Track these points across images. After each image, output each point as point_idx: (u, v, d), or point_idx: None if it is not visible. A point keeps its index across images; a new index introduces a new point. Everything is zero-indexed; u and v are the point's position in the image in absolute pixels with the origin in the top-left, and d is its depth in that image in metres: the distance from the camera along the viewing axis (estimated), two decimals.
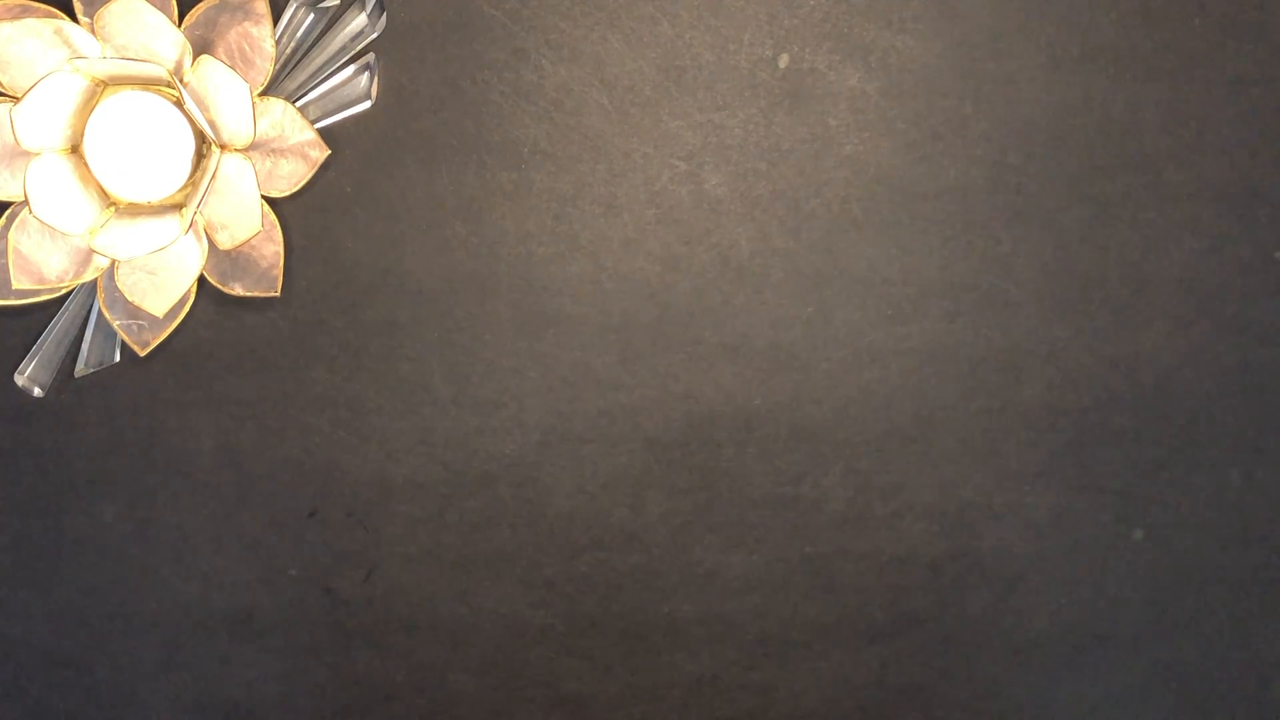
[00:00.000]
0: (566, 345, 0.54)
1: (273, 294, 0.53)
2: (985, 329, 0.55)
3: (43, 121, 0.50)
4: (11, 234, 0.51)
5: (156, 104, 0.50)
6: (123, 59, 0.50)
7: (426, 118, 0.53)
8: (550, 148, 0.53)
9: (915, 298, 0.54)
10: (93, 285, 0.53)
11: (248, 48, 0.51)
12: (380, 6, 0.52)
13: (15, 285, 0.52)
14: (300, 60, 0.52)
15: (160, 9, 0.50)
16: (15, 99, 0.50)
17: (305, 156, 0.52)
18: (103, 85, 0.50)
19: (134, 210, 0.51)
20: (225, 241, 0.52)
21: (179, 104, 0.50)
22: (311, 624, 0.56)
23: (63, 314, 0.54)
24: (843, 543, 0.56)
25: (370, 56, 0.52)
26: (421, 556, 0.56)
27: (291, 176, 0.52)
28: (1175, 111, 0.53)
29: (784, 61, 0.53)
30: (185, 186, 0.51)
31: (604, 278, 0.54)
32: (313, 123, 0.52)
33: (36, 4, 0.50)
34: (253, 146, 0.52)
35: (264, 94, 0.52)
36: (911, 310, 0.54)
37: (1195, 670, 0.57)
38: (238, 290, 0.53)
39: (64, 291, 0.53)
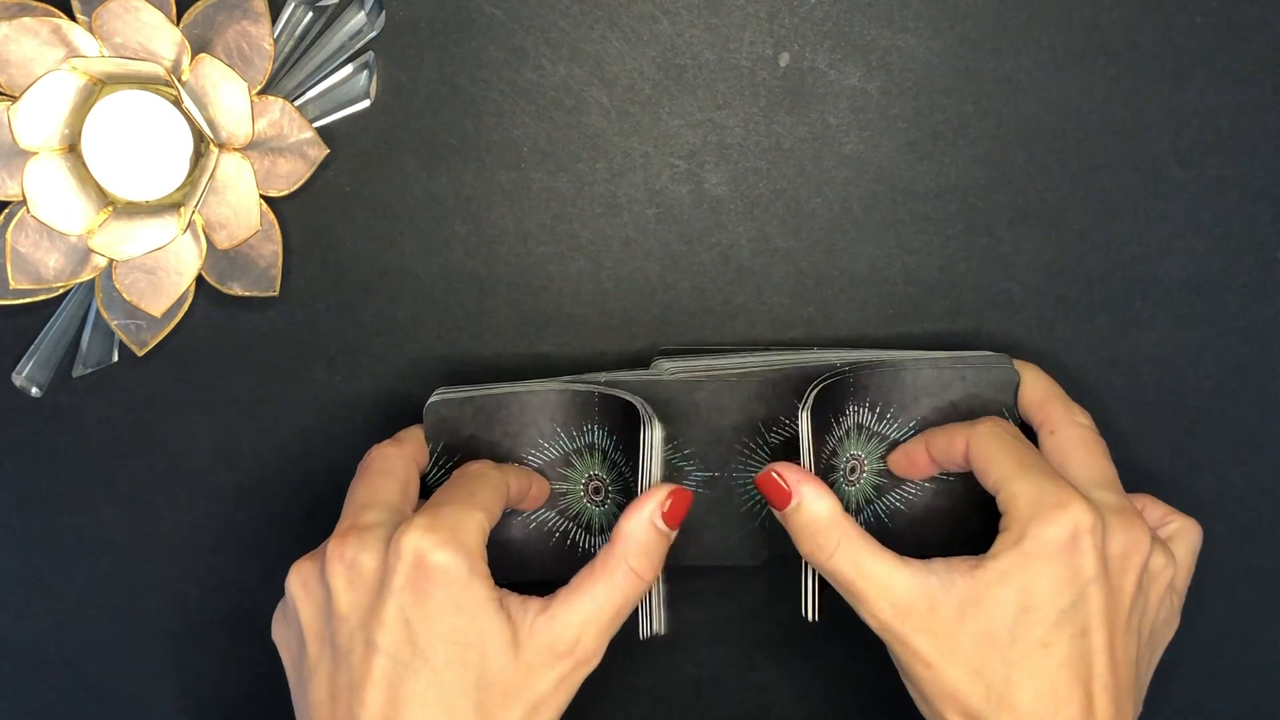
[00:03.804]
0: (566, 345, 0.54)
1: (271, 293, 0.53)
2: (985, 329, 0.55)
3: (40, 121, 0.50)
4: (9, 233, 0.51)
5: (154, 103, 0.50)
6: (121, 58, 0.50)
7: (425, 117, 0.53)
8: (550, 147, 0.53)
9: (915, 298, 0.54)
10: (90, 285, 0.53)
11: (246, 46, 0.51)
12: (379, 5, 0.52)
13: (13, 285, 0.51)
14: (299, 59, 0.52)
15: (158, 7, 0.50)
16: (13, 98, 0.50)
17: (304, 155, 0.52)
18: (100, 84, 0.50)
19: (132, 210, 0.51)
20: (223, 241, 0.52)
21: (177, 103, 0.50)
22: None
23: (60, 314, 0.54)
24: None
25: (369, 55, 0.52)
26: None
27: (290, 175, 0.52)
28: (1176, 111, 0.53)
29: (784, 60, 0.53)
30: (183, 186, 0.51)
31: (604, 278, 0.54)
32: (311, 121, 0.52)
33: (34, 3, 0.50)
34: (251, 145, 0.51)
35: (262, 93, 0.51)
36: (912, 310, 0.54)
37: (1195, 670, 0.57)
38: (236, 290, 0.53)
39: (61, 291, 0.53)
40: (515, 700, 0.44)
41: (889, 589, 0.46)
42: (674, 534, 0.47)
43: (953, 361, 0.51)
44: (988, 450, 0.48)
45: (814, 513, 0.47)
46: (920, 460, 0.51)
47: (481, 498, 0.47)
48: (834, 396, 0.50)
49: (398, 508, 0.47)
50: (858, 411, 0.51)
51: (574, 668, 0.45)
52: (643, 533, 0.46)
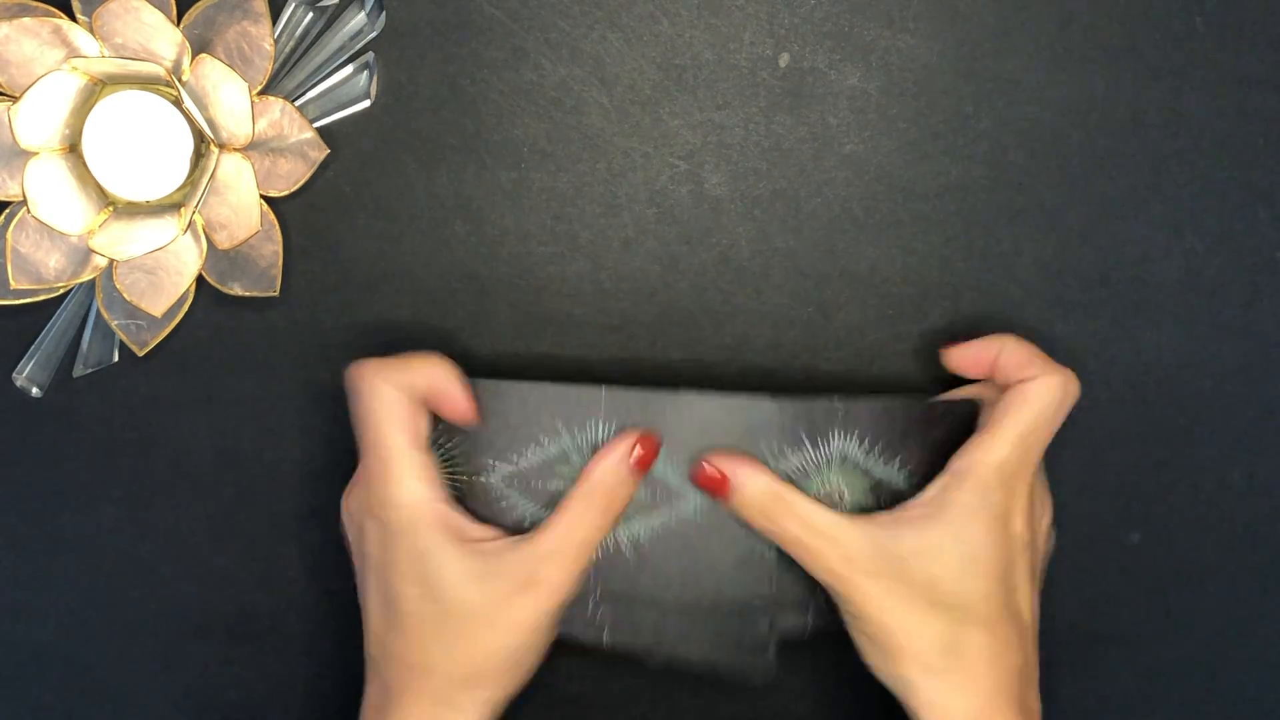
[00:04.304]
0: (566, 345, 0.54)
1: (271, 294, 0.53)
2: (986, 329, 0.54)
3: (41, 121, 0.50)
4: (10, 234, 0.51)
5: (155, 103, 0.50)
6: (121, 58, 0.50)
7: (426, 117, 0.53)
8: (550, 147, 0.53)
9: (915, 298, 0.54)
10: (91, 285, 0.53)
11: (246, 47, 0.51)
12: (379, 5, 0.52)
13: (14, 285, 0.52)
14: (299, 59, 0.52)
15: (159, 8, 0.50)
16: (14, 98, 0.50)
17: (304, 156, 0.52)
18: (101, 84, 0.50)
19: (132, 210, 0.51)
20: (224, 241, 0.52)
21: (177, 103, 0.50)
22: (311, 624, 0.56)
23: (61, 314, 0.54)
24: None
25: (369, 55, 0.52)
26: None
27: (290, 176, 0.52)
28: (1175, 111, 0.53)
29: (784, 60, 0.53)
30: (184, 186, 0.51)
31: (604, 278, 0.54)
32: (311, 122, 0.52)
33: (35, 3, 0.50)
34: (251, 146, 0.51)
35: (263, 93, 0.51)
36: (912, 310, 0.54)
37: (1195, 670, 0.57)
38: (236, 290, 0.53)
39: (62, 291, 0.53)
40: (492, 629, 0.47)
41: (837, 541, 0.48)
42: (639, 479, 0.49)
43: (930, 402, 0.51)
44: (1025, 402, 0.49)
45: (756, 487, 0.49)
46: (984, 363, 0.51)
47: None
48: (816, 418, 0.50)
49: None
50: (845, 443, 0.50)
51: (545, 597, 0.47)
52: (611, 475, 0.49)
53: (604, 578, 0.51)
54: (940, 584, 0.47)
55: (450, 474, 0.50)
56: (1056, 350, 0.55)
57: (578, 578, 0.48)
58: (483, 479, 0.50)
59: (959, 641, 0.47)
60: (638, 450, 0.49)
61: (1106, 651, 0.57)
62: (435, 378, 0.49)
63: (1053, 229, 0.54)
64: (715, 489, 0.49)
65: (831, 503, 0.50)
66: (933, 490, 0.49)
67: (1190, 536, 0.56)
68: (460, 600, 0.48)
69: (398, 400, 0.49)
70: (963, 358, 0.52)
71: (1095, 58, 0.53)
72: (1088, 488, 0.56)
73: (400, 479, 0.48)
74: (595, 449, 0.50)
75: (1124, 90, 0.53)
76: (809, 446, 0.50)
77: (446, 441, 0.51)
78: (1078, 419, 0.55)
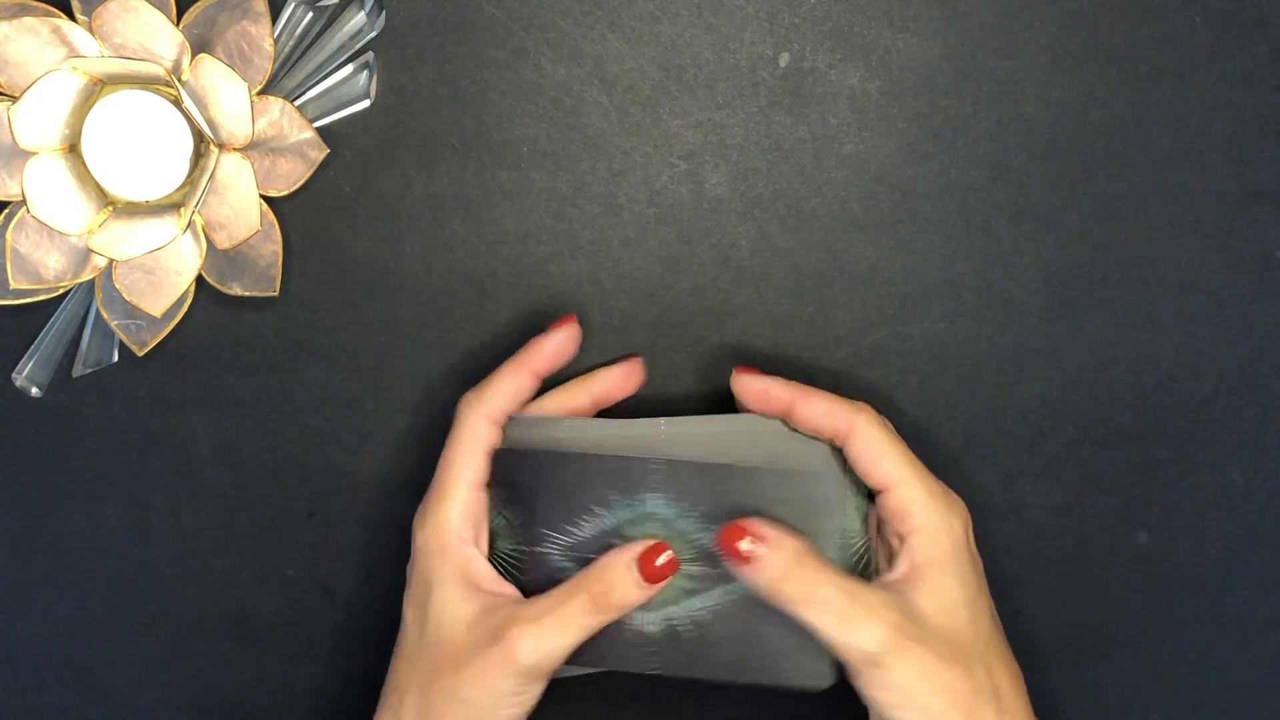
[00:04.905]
0: None
1: (271, 294, 0.53)
2: (985, 329, 0.55)
3: (41, 121, 0.50)
4: (9, 233, 0.51)
5: (155, 103, 0.50)
6: (121, 58, 0.50)
7: (426, 117, 0.53)
8: (550, 147, 0.53)
9: (915, 298, 0.54)
10: (90, 285, 0.53)
11: (246, 46, 0.51)
12: (379, 5, 0.52)
13: (13, 285, 0.52)
14: (299, 59, 0.52)
15: (159, 7, 0.50)
16: (13, 98, 0.50)
17: (304, 155, 0.52)
18: (100, 84, 0.50)
19: (132, 210, 0.51)
20: (223, 241, 0.52)
21: (177, 103, 0.50)
22: (311, 624, 0.56)
23: (60, 314, 0.54)
24: None
25: (369, 55, 0.52)
26: None
27: (290, 176, 0.52)
28: (1176, 111, 0.53)
29: (784, 60, 0.53)
30: (183, 186, 0.51)
31: (604, 278, 0.54)
32: (311, 122, 0.52)
33: (35, 3, 0.50)
34: (251, 145, 0.51)
35: (262, 93, 0.51)
36: (912, 310, 0.54)
37: (1195, 670, 0.57)
38: (236, 290, 0.53)
39: (62, 291, 0.53)
40: (457, 675, 0.47)
41: (876, 609, 0.46)
42: (646, 591, 0.47)
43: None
44: (879, 445, 0.48)
45: (791, 548, 0.46)
46: (776, 404, 0.49)
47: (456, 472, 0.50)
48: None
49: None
50: (858, 484, 0.50)
51: (506, 660, 0.47)
52: (609, 578, 0.47)
53: (665, 657, 0.49)
54: (960, 634, 0.47)
55: (512, 543, 0.50)
56: (1056, 350, 0.55)
57: (550, 657, 0.47)
58: (541, 549, 0.49)
59: (996, 686, 0.47)
60: (640, 563, 0.47)
61: (1107, 651, 0.57)
62: (519, 392, 0.50)
63: (1053, 229, 0.54)
64: (743, 552, 0.46)
65: (847, 545, 0.49)
66: (907, 551, 0.48)
67: (1190, 537, 0.56)
68: (445, 640, 0.48)
69: (484, 435, 0.49)
70: (761, 398, 0.49)
71: (1095, 58, 0.53)
72: (1089, 488, 0.56)
73: (443, 506, 0.49)
74: (650, 520, 0.48)
75: (1124, 90, 0.53)
76: (852, 493, 0.50)
77: (508, 510, 0.50)
78: (1078, 419, 0.55)
